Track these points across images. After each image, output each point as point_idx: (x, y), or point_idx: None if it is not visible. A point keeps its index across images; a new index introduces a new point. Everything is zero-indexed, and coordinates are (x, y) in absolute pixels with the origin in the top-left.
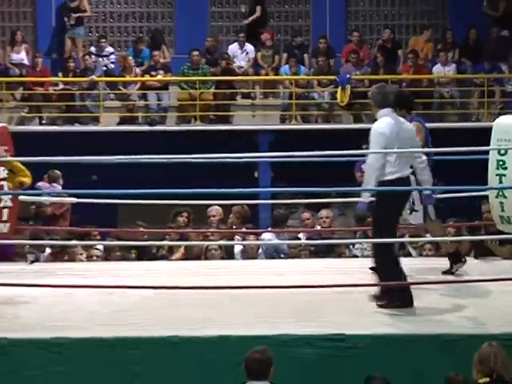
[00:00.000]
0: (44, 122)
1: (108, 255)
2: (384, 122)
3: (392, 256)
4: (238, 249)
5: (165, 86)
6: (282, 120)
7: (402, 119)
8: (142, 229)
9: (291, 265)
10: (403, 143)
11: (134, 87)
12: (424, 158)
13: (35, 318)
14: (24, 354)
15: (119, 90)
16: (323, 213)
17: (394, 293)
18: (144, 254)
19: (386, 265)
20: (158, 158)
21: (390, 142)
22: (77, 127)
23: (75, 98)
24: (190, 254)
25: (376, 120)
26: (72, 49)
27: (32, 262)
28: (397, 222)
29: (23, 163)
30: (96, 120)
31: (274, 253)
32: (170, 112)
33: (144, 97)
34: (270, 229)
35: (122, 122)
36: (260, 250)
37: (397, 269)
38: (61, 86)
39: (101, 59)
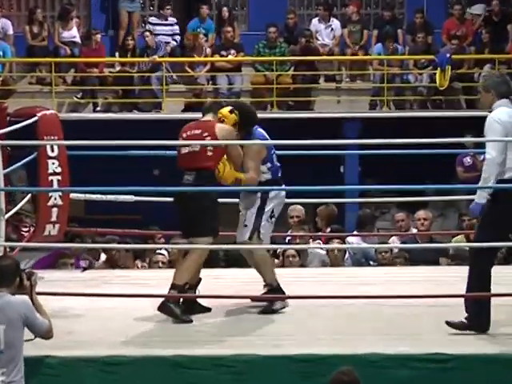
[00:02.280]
0: (99, 108)
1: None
2: (504, 113)
3: (488, 269)
4: (319, 255)
5: (237, 68)
6: (372, 106)
7: None
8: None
9: (380, 273)
10: None
11: (202, 69)
12: None
13: (89, 334)
14: (77, 374)
15: (185, 71)
16: (420, 214)
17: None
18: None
19: (478, 277)
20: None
21: (509, 135)
22: (136, 114)
23: (134, 82)
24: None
25: (491, 111)
26: (128, 24)
27: (85, 269)
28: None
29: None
30: (158, 106)
31: (362, 259)
32: (242, 97)
33: (213, 80)
34: (355, 231)
35: (188, 108)
36: (346, 256)
37: (486, 285)
38: (118, 68)
39: (163, 37)
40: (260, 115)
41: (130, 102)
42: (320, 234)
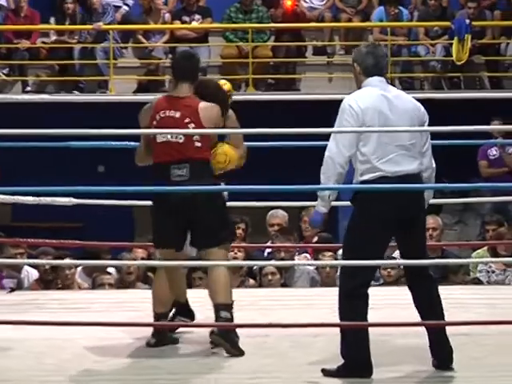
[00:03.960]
0: (29, 88)
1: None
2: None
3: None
4: (307, 271)
5: (203, 38)
6: None
7: None
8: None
9: (383, 295)
10: None
11: (158, 39)
12: None
13: (18, 372)
14: None
15: (138, 42)
16: (429, 221)
17: None
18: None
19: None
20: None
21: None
22: (76, 96)
23: (74, 55)
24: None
25: None
26: None
27: (12, 290)
28: None
29: None
30: (104, 86)
31: None
32: (209, 74)
33: (173, 52)
34: None
35: (141, 88)
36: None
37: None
38: (53, 38)
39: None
40: (239, 97)
41: (68, 80)
42: (308, 245)
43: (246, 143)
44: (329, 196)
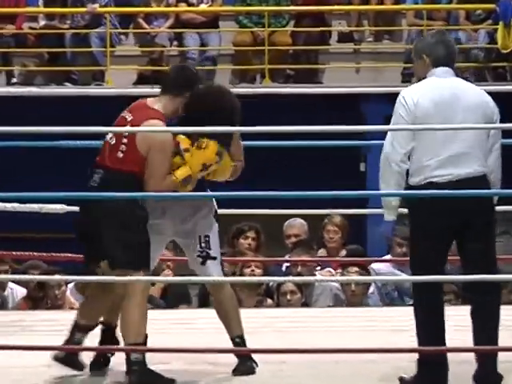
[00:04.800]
0: (15, 80)
1: None
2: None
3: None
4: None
5: (213, 22)
6: (406, 77)
7: None
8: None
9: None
10: None
11: (162, 24)
12: None
13: None
14: None
15: (139, 27)
16: None
17: None
18: (179, 297)
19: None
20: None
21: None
22: (68, 89)
23: (66, 42)
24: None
25: None
26: None
27: None
28: None
29: None
30: (100, 78)
31: (393, 294)
32: (220, 64)
33: (178, 39)
34: (389, 256)
35: (142, 80)
36: (372, 289)
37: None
38: (42, 23)
39: None
40: (245, 91)
41: (59, 70)
42: (334, 259)
43: (259, 142)
44: (392, 202)
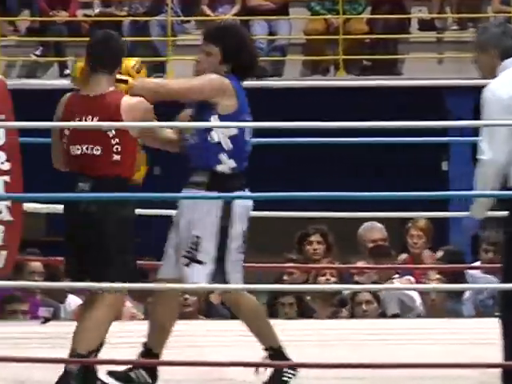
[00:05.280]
0: (68, 71)
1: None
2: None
3: None
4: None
5: (282, 9)
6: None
7: None
8: None
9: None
10: None
11: (228, 10)
12: None
13: None
14: None
15: (202, 14)
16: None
17: None
18: None
19: None
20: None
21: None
22: None
23: (123, 31)
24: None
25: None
26: None
27: (46, 320)
28: None
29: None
30: (160, 69)
31: (488, 302)
32: (290, 54)
33: (244, 27)
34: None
35: None
36: (467, 295)
37: None
38: (97, 10)
39: None
40: (317, 83)
41: None
42: (428, 266)
43: (332, 139)
44: (486, 201)
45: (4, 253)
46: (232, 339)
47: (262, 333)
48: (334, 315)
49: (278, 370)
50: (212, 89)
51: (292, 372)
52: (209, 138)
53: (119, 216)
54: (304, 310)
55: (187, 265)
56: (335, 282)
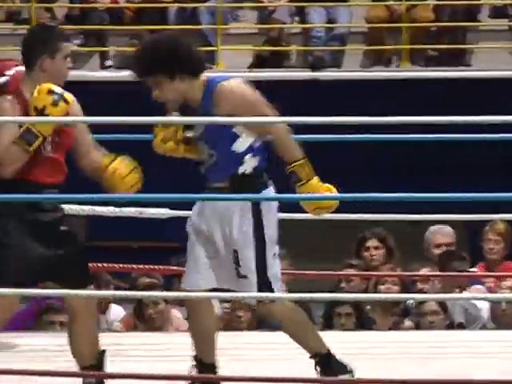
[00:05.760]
0: (110, 62)
1: None
2: None
3: None
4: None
5: None
6: None
7: None
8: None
9: None
10: None
11: None
12: None
13: None
14: None
15: (255, 1)
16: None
17: None
18: None
19: None
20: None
21: None
22: None
23: (169, 19)
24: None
25: None
26: None
27: None
28: None
29: None
30: (210, 60)
31: None
32: (350, 43)
33: (301, 15)
34: None
35: (259, 62)
36: None
37: None
38: None
39: None
40: (379, 75)
41: None
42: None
43: (400, 135)
44: None
45: None
46: (279, 352)
47: (304, 338)
48: (396, 326)
49: None
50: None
51: None
52: (233, 149)
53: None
54: (363, 320)
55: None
56: (398, 291)
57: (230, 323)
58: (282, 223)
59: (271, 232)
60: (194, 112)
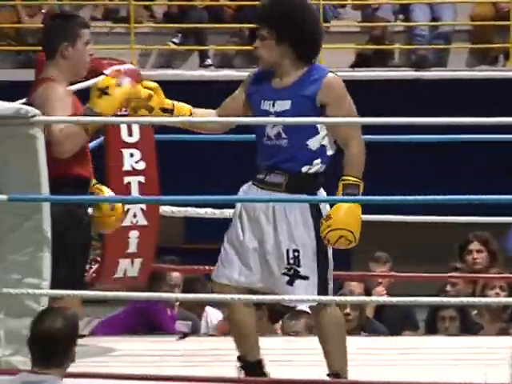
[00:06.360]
0: (209, 61)
1: None
2: None
3: None
4: None
5: None
6: None
7: None
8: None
9: None
10: None
11: None
12: None
13: None
14: None
15: None
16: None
17: None
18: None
19: None
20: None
21: None
22: None
23: None
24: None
25: None
26: None
27: (185, 335)
28: None
29: None
30: None
31: None
32: (455, 43)
33: (405, 13)
34: None
35: (361, 61)
36: None
37: None
38: None
39: None
40: (486, 73)
41: None
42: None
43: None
44: None
45: (138, 260)
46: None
47: (335, 352)
48: (504, 332)
49: None
50: None
51: None
52: (309, 145)
53: None
54: (468, 325)
55: (290, 283)
56: (506, 296)
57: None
58: (383, 225)
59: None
60: (273, 89)
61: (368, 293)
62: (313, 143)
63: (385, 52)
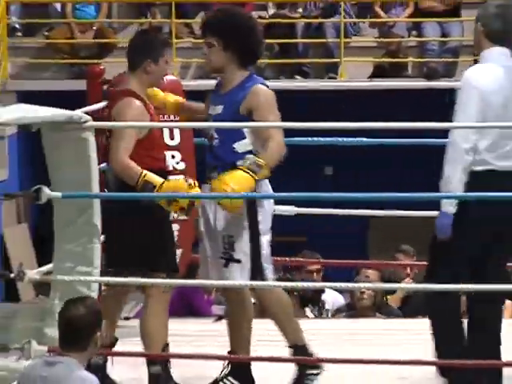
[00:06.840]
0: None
1: None
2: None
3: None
4: None
5: (453, 11)
6: None
7: None
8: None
9: None
10: None
11: (401, 12)
12: None
13: None
14: None
15: (376, 16)
16: None
17: None
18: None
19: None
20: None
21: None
22: (298, 82)
23: (297, 33)
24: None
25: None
26: None
27: (220, 318)
28: None
29: None
30: (333, 70)
31: None
32: (463, 55)
33: (417, 30)
34: None
35: (378, 73)
36: None
37: None
38: (272, 12)
39: None
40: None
41: (289, 63)
42: None
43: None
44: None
45: (179, 251)
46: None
47: (287, 327)
48: None
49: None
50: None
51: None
52: (235, 148)
53: None
54: None
55: (225, 265)
56: None
57: None
58: (407, 221)
59: (267, 223)
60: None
61: (384, 280)
62: (239, 147)
63: (399, 64)
